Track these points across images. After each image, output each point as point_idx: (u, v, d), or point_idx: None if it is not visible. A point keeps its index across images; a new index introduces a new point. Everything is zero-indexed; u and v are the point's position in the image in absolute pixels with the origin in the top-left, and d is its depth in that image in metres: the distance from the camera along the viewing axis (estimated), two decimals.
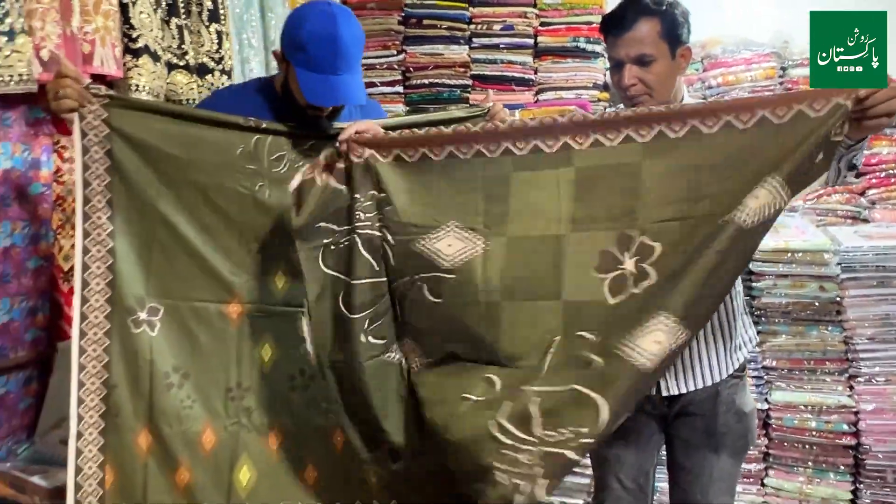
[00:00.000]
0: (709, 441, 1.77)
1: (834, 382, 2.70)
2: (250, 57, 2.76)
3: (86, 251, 1.74)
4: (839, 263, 2.64)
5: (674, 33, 1.73)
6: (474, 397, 1.52)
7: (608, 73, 3.28)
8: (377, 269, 1.63)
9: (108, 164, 1.74)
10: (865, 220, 2.94)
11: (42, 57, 1.79)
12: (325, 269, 1.66)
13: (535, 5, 3.34)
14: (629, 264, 1.47)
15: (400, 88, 3.40)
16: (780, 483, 2.76)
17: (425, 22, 3.36)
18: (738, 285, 1.77)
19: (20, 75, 1.72)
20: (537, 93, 3.32)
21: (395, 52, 3.38)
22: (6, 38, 1.69)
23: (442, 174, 1.59)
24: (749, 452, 2.71)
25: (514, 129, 1.56)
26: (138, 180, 1.76)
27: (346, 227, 1.63)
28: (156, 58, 2.20)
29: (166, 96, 2.32)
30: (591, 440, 1.44)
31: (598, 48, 3.25)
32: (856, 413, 2.67)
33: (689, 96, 1.87)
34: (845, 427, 2.68)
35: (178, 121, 1.79)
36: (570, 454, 1.43)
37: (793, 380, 2.73)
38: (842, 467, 2.71)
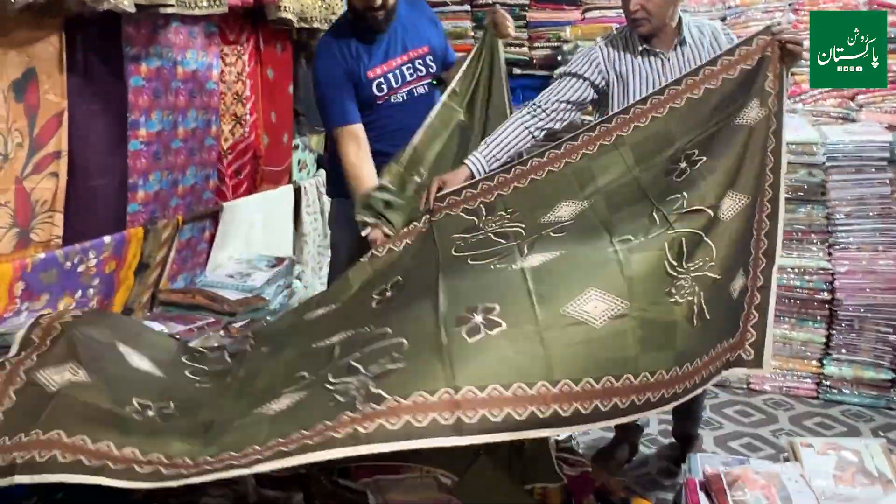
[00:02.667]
0: None
1: (817, 250, 3.35)
2: None
3: None
4: (825, 154, 3.27)
5: None
6: (620, 247, 1.88)
7: None
8: (504, 243, 2.03)
9: None
10: (853, 121, 3.52)
11: None
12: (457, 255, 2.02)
13: None
14: (682, 164, 2.02)
15: (467, 7, 4.00)
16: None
17: None
18: None
19: (217, 0, 2.41)
20: (584, 11, 3.83)
21: None
22: None
23: (547, 183, 2.14)
24: None
25: (583, 143, 2.14)
26: None
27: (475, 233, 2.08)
28: None
29: (300, 13, 3.00)
30: (715, 266, 1.82)
31: None
32: (832, 274, 3.34)
33: (688, 18, 2.38)
34: (823, 285, 3.36)
35: None
36: (712, 274, 1.81)
37: (784, 248, 3.38)
38: (819, 317, 3.39)
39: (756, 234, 1.84)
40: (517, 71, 3.98)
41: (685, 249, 1.84)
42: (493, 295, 1.75)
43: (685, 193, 1.92)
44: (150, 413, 1.73)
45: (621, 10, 3.73)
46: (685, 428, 2.75)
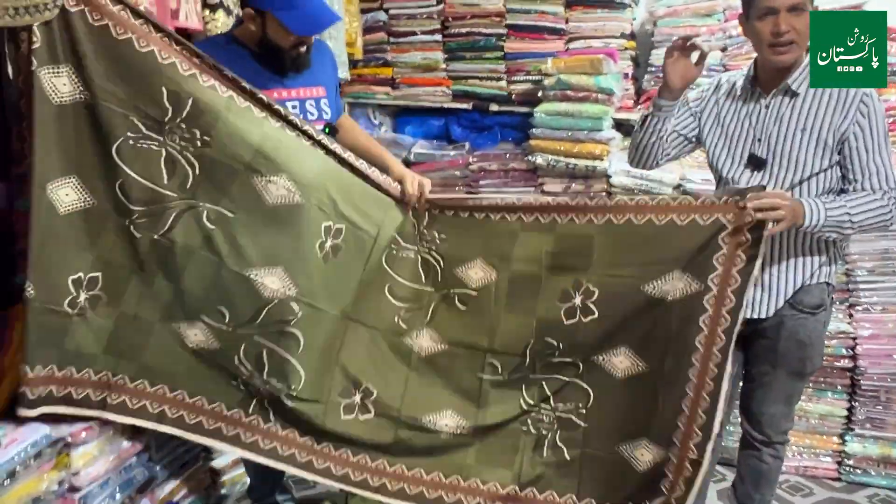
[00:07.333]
0: (770, 358, 2.13)
1: (836, 311, 2.96)
2: None
3: None
4: None
5: None
6: (486, 376, 2.14)
7: (634, 22, 3.48)
8: (423, 280, 2.18)
9: None
10: None
11: None
12: (385, 267, 2.14)
13: None
14: (577, 300, 2.05)
15: (439, 37, 3.62)
16: None
17: None
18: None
19: None
20: (568, 41, 3.48)
21: (434, 2, 3.59)
22: None
23: (480, 227, 2.15)
24: None
25: (525, 206, 2.14)
26: None
27: (411, 245, 2.18)
28: (228, 11, 2.47)
29: None
30: (585, 414, 2.08)
31: None
32: (854, 339, 2.95)
33: None
34: (844, 351, 2.97)
35: None
36: (579, 420, 2.08)
37: None
38: (839, 387, 3.01)
39: (689, 412, 1.90)
40: (494, 107, 3.60)
41: (547, 392, 2.11)
42: (376, 380, 2.10)
43: (561, 345, 2.08)
44: None
45: (608, 40, 3.47)
46: None
